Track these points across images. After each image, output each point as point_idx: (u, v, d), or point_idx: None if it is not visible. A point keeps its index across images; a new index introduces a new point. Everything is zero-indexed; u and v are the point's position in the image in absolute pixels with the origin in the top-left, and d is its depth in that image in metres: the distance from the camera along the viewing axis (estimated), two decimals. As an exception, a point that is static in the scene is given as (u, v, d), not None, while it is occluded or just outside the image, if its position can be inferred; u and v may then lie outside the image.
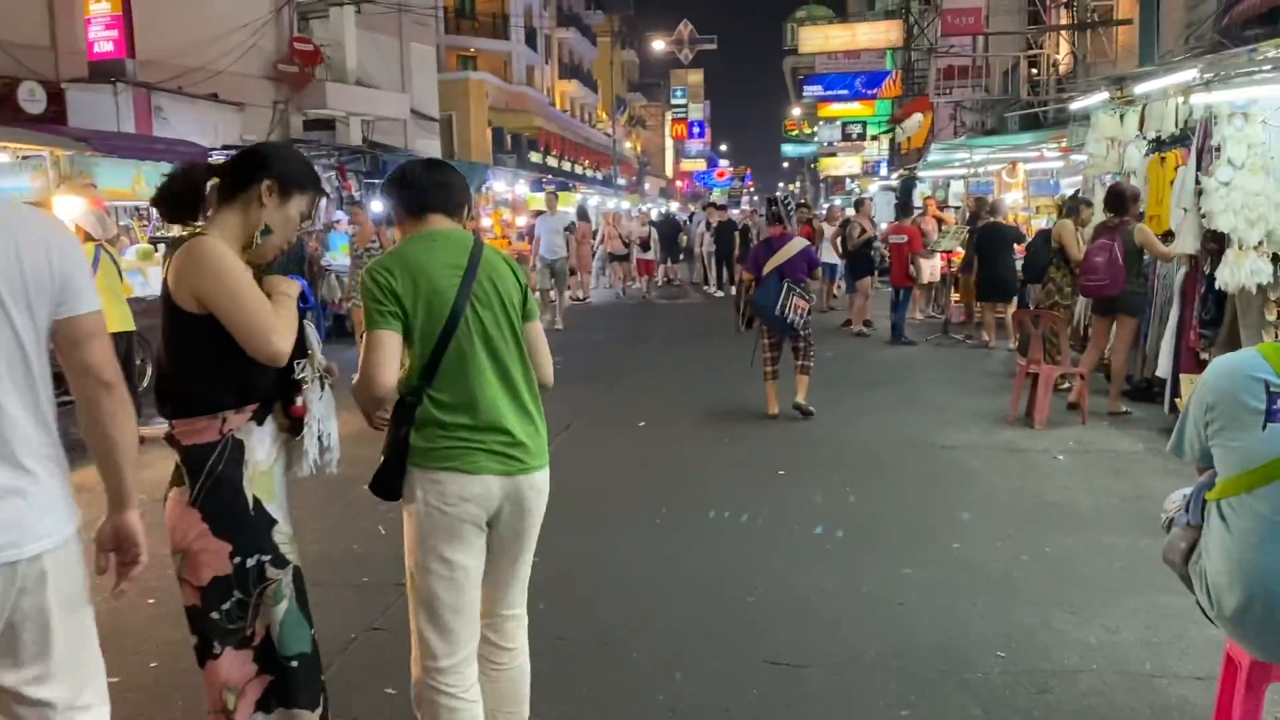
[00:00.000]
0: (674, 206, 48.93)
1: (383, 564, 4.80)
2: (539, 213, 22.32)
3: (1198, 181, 7.42)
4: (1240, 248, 7.14)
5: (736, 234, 19.39)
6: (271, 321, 2.58)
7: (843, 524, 5.50)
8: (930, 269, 14.64)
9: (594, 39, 61.79)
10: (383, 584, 4.64)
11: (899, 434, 7.77)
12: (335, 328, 14.84)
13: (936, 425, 8.06)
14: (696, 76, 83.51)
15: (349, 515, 5.65)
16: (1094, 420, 8.07)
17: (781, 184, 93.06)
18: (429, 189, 2.90)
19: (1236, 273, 7.11)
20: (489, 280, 2.86)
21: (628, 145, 69.29)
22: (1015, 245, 12.57)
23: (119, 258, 8.10)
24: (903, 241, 13.80)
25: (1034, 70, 26.62)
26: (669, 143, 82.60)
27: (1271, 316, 7.10)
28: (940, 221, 16.38)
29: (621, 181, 56.52)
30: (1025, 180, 16.66)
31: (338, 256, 14.71)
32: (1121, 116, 10.68)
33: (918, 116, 34.51)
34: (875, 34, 34.84)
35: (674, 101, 79.52)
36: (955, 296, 15.54)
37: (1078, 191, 11.73)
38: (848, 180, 49.08)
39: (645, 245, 20.31)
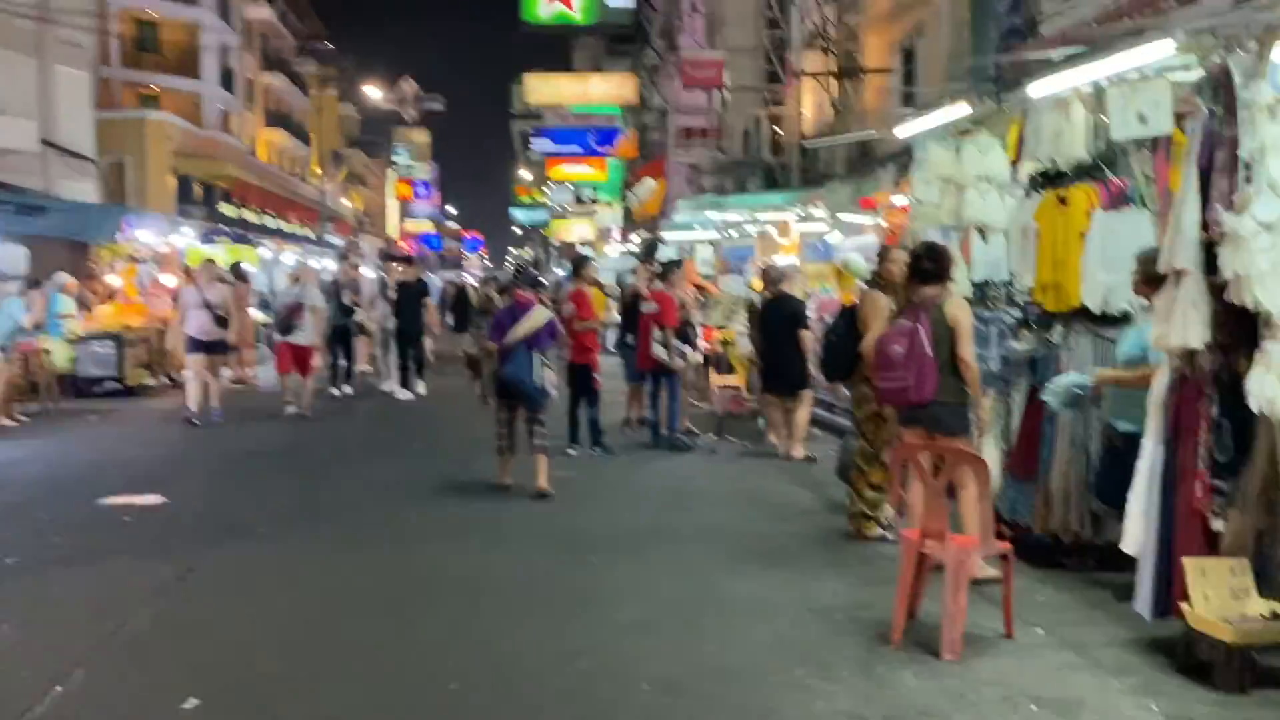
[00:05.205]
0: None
1: None
2: (188, 270, 17.25)
3: (1204, 226, 4.29)
4: (1294, 340, 4.04)
5: (429, 300, 14.54)
6: None
7: None
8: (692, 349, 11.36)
9: (305, 88, 56.69)
10: None
11: (680, 697, 4.05)
12: None
13: (755, 660, 4.44)
14: (422, 136, 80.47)
15: None
16: (1018, 625, 4.73)
17: (512, 249, 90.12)
18: None
19: (1289, 384, 3.99)
20: None
21: (345, 202, 64.16)
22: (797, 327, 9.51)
23: None
24: (653, 311, 10.33)
25: (777, 130, 24.77)
26: (392, 202, 77.85)
27: (1342, 461, 4.01)
28: (701, 290, 13.22)
29: (336, 240, 51.45)
30: (799, 243, 13.81)
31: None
32: (958, 150, 7.77)
33: (650, 182, 32.21)
34: (608, 87, 32.31)
35: (397, 160, 75.32)
36: (719, 381, 12.39)
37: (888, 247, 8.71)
38: (579, 246, 46.60)
39: (286, 324, 12.13)
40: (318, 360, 12.90)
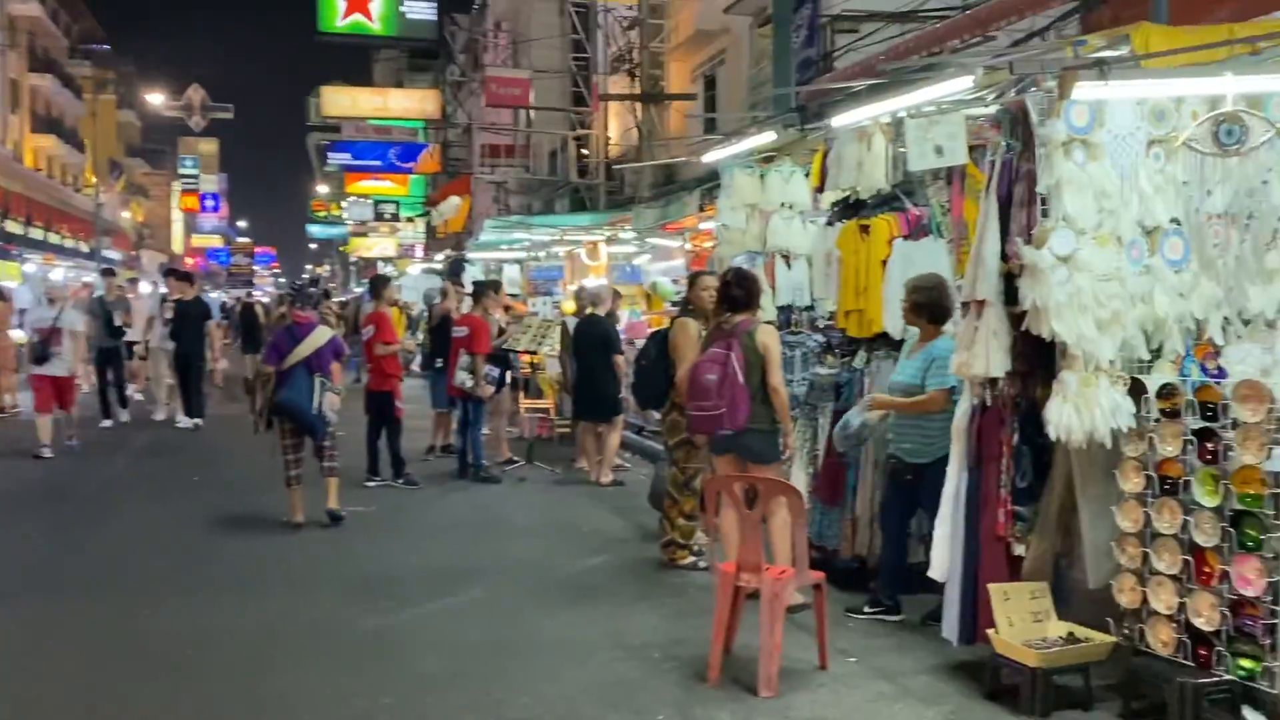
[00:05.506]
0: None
1: None
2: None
3: (1004, 257, 4.40)
4: (1089, 368, 4.18)
5: (213, 323, 13.27)
6: None
7: None
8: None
9: (79, 92, 52.67)
10: None
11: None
12: None
13: (568, 709, 4.25)
14: (210, 146, 76.43)
15: None
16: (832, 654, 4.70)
17: (309, 266, 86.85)
18: None
19: (1083, 412, 4.12)
20: None
21: (125, 215, 60.03)
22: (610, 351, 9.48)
23: None
24: (463, 335, 9.93)
25: (584, 152, 24.83)
26: (177, 215, 73.45)
27: (1129, 484, 4.18)
28: (509, 310, 12.92)
29: (114, 254, 47.95)
30: (608, 264, 13.77)
31: None
32: (762, 176, 7.87)
33: (455, 200, 31.60)
34: (410, 102, 31.51)
35: (183, 171, 71.13)
36: (527, 404, 12.15)
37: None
38: (380, 264, 45.24)
39: (41, 353, 10.54)
40: (83, 388, 11.70)
